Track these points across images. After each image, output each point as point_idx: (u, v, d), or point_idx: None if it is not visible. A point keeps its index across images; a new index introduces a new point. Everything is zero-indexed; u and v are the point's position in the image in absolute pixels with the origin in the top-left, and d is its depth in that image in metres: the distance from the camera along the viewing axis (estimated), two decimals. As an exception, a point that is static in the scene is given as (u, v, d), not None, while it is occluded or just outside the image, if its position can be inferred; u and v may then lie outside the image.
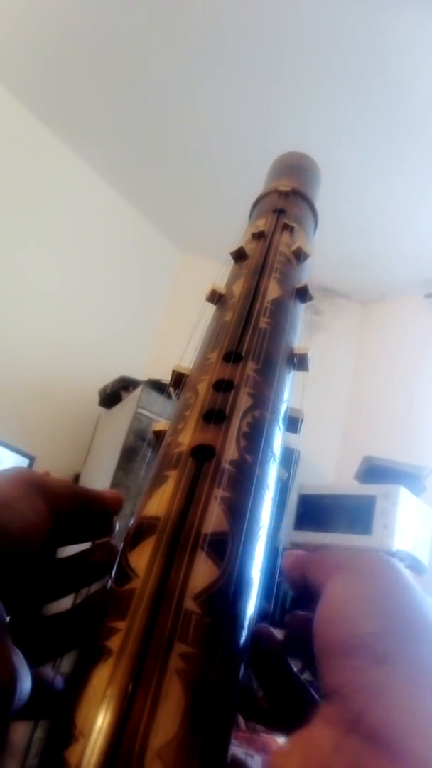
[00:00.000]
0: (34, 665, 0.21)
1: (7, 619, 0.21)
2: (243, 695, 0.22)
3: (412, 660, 0.18)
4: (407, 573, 0.22)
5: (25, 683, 0.19)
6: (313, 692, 0.23)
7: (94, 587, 0.26)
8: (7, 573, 0.21)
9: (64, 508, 0.25)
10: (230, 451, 0.27)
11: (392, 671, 0.18)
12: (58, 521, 0.24)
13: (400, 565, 0.22)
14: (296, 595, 0.26)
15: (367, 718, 0.17)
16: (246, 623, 0.23)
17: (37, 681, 0.21)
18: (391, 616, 0.20)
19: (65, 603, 0.26)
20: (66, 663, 0.23)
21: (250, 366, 0.31)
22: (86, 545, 0.27)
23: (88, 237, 2.50)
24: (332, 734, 0.17)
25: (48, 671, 0.23)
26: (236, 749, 0.21)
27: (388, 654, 0.18)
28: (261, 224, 0.43)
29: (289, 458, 0.32)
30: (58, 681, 0.23)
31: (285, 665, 0.25)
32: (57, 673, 0.23)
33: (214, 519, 0.24)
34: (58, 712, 0.20)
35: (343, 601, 0.21)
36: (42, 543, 0.23)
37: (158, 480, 0.26)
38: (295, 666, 0.26)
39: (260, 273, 0.38)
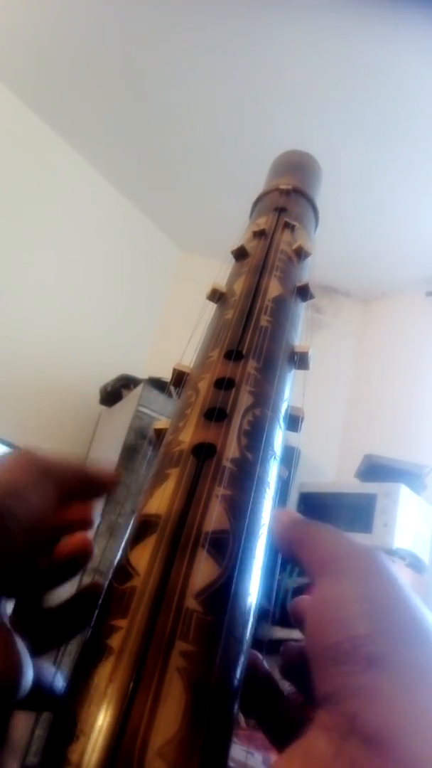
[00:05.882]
0: (37, 654, 0.21)
1: (10, 608, 0.21)
2: (244, 693, 0.22)
3: (405, 661, 0.18)
4: (398, 572, 0.22)
5: (28, 673, 0.20)
6: (306, 711, 0.23)
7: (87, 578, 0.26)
8: (15, 562, 0.21)
9: (70, 491, 0.25)
10: (231, 450, 0.27)
11: (386, 673, 0.18)
12: (62, 503, 0.25)
13: (392, 565, 0.22)
14: (282, 555, 0.26)
15: (363, 722, 0.17)
16: (247, 621, 0.23)
17: (37, 673, 0.21)
18: (383, 618, 0.20)
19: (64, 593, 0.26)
20: (67, 658, 0.23)
21: (251, 364, 0.31)
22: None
23: (89, 235, 2.49)
24: (331, 739, 0.17)
25: (48, 666, 0.23)
26: (237, 747, 0.21)
27: (381, 656, 0.18)
28: (262, 222, 0.43)
29: (290, 456, 0.32)
30: (58, 677, 0.23)
31: (276, 691, 0.25)
32: (57, 670, 0.23)
33: (215, 517, 0.24)
34: (60, 709, 0.20)
35: (334, 604, 0.21)
36: (49, 530, 0.23)
37: (159, 478, 0.26)
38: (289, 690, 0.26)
39: (261, 271, 0.38)
